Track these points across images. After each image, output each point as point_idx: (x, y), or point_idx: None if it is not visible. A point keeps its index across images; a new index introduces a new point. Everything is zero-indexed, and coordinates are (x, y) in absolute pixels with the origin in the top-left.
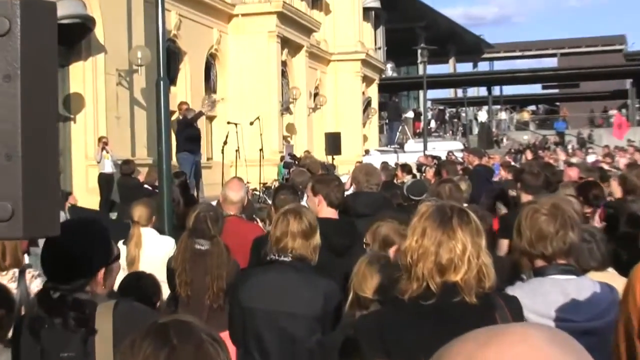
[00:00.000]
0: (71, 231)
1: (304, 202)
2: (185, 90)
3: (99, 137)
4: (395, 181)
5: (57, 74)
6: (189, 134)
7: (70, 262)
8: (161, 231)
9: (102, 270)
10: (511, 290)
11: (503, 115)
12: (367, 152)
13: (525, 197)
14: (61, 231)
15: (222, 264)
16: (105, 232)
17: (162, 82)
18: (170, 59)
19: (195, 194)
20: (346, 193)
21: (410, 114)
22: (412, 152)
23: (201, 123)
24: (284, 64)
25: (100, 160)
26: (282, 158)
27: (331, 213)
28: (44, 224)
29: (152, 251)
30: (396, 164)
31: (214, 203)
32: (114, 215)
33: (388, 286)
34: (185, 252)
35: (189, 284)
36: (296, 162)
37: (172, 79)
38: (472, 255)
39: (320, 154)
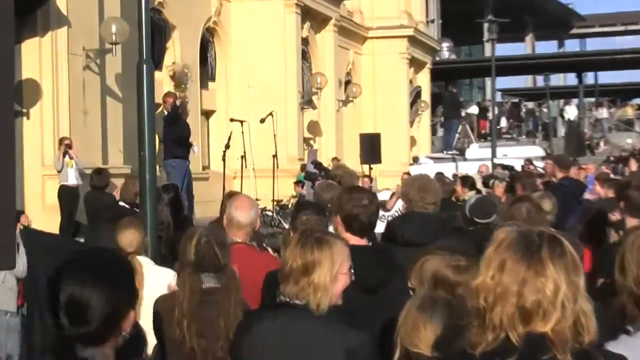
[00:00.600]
0: (89, 269)
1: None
2: (174, 77)
3: (59, 138)
4: (453, 198)
5: (13, 53)
6: (178, 134)
7: (95, 315)
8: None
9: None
10: (614, 347)
11: (599, 111)
12: (415, 160)
13: (631, 222)
14: (73, 268)
15: (239, 302)
16: (129, 265)
17: (144, 66)
18: (154, 35)
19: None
20: (390, 213)
21: (473, 109)
22: (476, 160)
23: (194, 119)
24: (305, 42)
25: (62, 168)
26: (302, 167)
27: (355, 240)
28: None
29: (152, 288)
30: (455, 176)
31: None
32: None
33: (450, 338)
34: (192, 294)
35: (201, 335)
36: (323, 173)
37: (156, 61)
38: (567, 299)
39: (353, 163)
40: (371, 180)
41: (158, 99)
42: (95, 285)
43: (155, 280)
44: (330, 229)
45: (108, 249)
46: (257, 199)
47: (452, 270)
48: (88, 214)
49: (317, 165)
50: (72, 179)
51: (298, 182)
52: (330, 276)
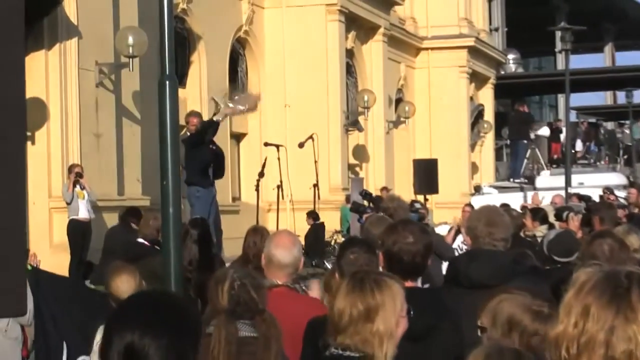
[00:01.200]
0: (149, 313)
1: None
2: (200, 94)
3: (69, 165)
4: (522, 233)
5: (23, 65)
6: (200, 159)
7: None
8: None
9: None
10: None
11: None
12: (477, 189)
13: None
14: (130, 313)
15: (280, 354)
16: (192, 308)
17: (167, 82)
18: (177, 47)
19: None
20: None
21: (544, 131)
22: (547, 189)
23: (221, 144)
24: (350, 54)
25: (72, 200)
26: (347, 198)
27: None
28: (6, 304)
29: None
30: (524, 208)
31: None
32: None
33: None
34: (228, 345)
35: None
36: (371, 205)
37: (180, 76)
38: None
39: (405, 193)
40: (426, 212)
41: (182, 119)
42: (156, 332)
43: None
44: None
45: (166, 290)
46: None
47: (531, 315)
48: (106, 252)
49: (367, 195)
50: (84, 212)
51: (310, 214)
52: (395, 320)
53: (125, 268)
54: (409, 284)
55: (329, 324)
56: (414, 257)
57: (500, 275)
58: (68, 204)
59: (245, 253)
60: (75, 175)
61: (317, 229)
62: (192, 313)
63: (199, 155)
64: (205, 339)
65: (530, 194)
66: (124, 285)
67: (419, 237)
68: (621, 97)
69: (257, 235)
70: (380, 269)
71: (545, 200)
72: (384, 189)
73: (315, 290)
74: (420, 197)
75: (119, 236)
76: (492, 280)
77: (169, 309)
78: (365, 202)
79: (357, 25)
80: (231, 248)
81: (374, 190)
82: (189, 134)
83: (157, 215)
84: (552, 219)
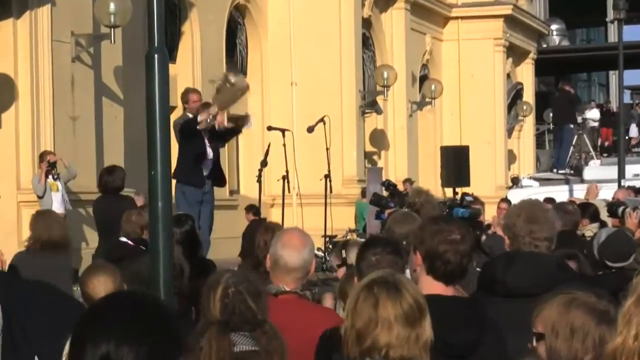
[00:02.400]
0: (125, 319)
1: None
2: (192, 70)
3: (40, 153)
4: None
5: None
6: (193, 150)
7: None
8: None
9: None
10: None
11: None
12: (515, 181)
13: None
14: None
15: None
16: (172, 311)
17: (156, 56)
18: (166, 15)
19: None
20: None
21: (593, 114)
22: (597, 181)
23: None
24: (367, 24)
25: (44, 192)
26: (363, 192)
27: (436, 287)
28: None
29: None
30: (571, 203)
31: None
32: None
33: None
34: None
35: None
36: (394, 197)
37: (169, 50)
38: None
39: (430, 185)
40: (482, 207)
41: (172, 99)
42: (135, 340)
43: None
44: (407, 273)
45: (140, 291)
46: None
47: (596, 318)
48: (102, 229)
49: (389, 186)
50: (58, 207)
51: (250, 208)
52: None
53: (104, 267)
54: (449, 290)
55: (345, 334)
56: (462, 259)
57: (542, 282)
58: (40, 197)
59: (253, 254)
60: (48, 164)
61: (257, 226)
62: (173, 315)
63: (191, 146)
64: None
65: (577, 187)
66: (101, 287)
67: (466, 235)
68: None
69: (269, 234)
70: (418, 272)
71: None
72: (407, 181)
73: (328, 304)
74: (448, 191)
75: (108, 207)
76: (532, 289)
77: (147, 312)
78: (388, 195)
79: None
80: (228, 249)
81: (394, 182)
82: (190, 116)
83: (142, 212)
84: (604, 216)
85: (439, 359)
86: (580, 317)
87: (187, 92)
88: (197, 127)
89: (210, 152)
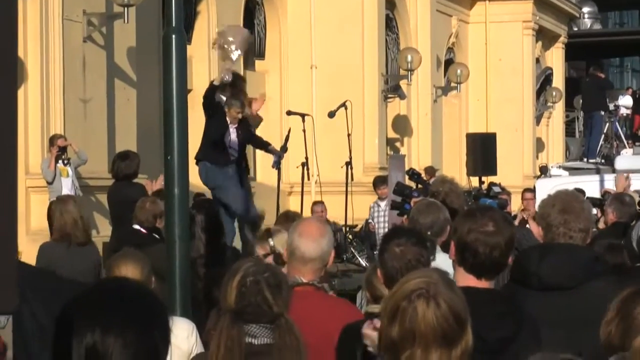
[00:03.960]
0: (112, 309)
1: (440, 261)
2: (209, 52)
3: (50, 137)
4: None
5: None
6: (213, 126)
7: None
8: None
9: None
10: None
11: None
12: (543, 171)
13: None
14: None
15: None
16: (160, 301)
17: (173, 37)
18: None
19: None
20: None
21: (626, 101)
22: (630, 171)
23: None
24: (390, 5)
25: (54, 178)
26: (408, 173)
27: (469, 279)
28: None
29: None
30: (606, 194)
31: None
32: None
33: None
34: (230, 353)
35: None
36: (417, 187)
37: (185, 30)
38: None
39: (455, 174)
40: (509, 198)
41: (192, 82)
42: (120, 328)
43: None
44: (439, 264)
45: (127, 279)
46: (333, 222)
47: None
48: (113, 217)
49: (414, 175)
50: (68, 192)
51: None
52: None
53: (133, 256)
54: (482, 283)
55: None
56: (492, 251)
57: (577, 276)
58: (49, 183)
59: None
60: (58, 148)
61: None
62: (160, 302)
63: (212, 122)
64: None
65: (608, 176)
66: (128, 275)
67: (502, 227)
68: None
69: (289, 222)
70: (451, 261)
71: (633, 184)
72: (429, 168)
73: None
74: (474, 180)
75: (120, 192)
76: (567, 282)
77: (131, 298)
78: (413, 184)
79: None
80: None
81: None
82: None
83: (156, 200)
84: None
85: (472, 354)
86: None
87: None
88: (216, 94)
89: (233, 132)
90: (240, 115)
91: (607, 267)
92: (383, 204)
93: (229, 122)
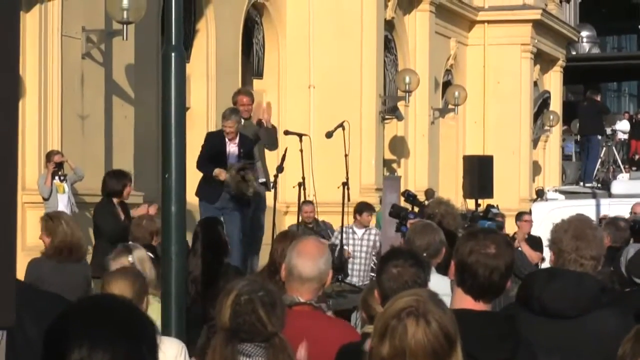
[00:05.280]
0: (100, 323)
1: (435, 283)
2: (207, 71)
3: (47, 152)
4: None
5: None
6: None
7: None
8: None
9: None
10: None
11: None
12: (540, 194)
13: None
14: (77, 323)
15: None
16: (146, 316)
17: (172, 55)
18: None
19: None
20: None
21: (623, 125)
22: (626, 196)
23: None
24: (389, 26)
25: (50, 194)
26: (404, 195)
27: (467, 302)
28: None
29: None
30: (604, 219)
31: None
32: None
33: None
34: None
35: None
36: (413, 209)
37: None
38: None
39: (451, 196)
40: (503, 220)
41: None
42: (108, 343)
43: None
44: (434, 286)
45: (114, 296)
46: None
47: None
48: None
49: (409, 197)
50: (64, 208)
51: None
52: None
53: (125, 273)
54: (479, 305)
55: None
56: (492, 274)
57: (582, 305)
58: (45, 199)
59: (272, 262)
60: (55, 165)
61: None
62: (145, 317)
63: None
64: None
65: (604, 201)
66: (123, 288)
67: (503, 250)
68: None
69: (287, 241)
70: (445, 282)
71: (621, 209)
72: (429, 191)
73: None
74: (471, 202)
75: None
76: (570, 311)
77: (118, 313)
78: (409, 206)
79: None
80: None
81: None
82: (242, 119)
83: (153, 217)
84: None
85: None
86: None
87: (236, 93)
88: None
89: (231, 147)
90: (231, 129)
91: (613, 297)
92: (361, 232)
93: (226, 138)
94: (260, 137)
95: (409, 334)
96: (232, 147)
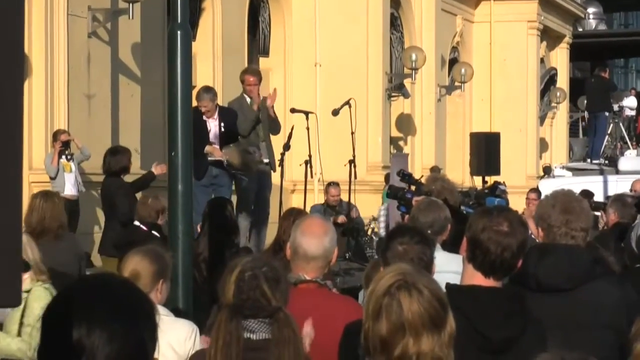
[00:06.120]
0: (98, 303)
1: (440, 260)
2: (213, 49)
3: (54, 132)
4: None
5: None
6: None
7: None
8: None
9: None
10: None
11: None
12: (547, 171)
13: None
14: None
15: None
16: (146, 296)
17: (178, 32)
18: None
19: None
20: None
21: (630, 101)
22: (633, 172)
23: None
24: (395, 3)
25: (57, 174)
26: (386, 178)
27: (477, 278)
28: (1, 291)
29: (166, 349)
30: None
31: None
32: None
33: None
34: (228, 348)
35: None
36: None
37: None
38: None
39: (458, 173)
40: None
41: (196, 78)
42: (106, 322)
43: (169, 339)
44: (440, 263)
45: (112, 274)
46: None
47: None
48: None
49: (405, 176)
50: (70, 188)
51: None
52: None
53: (146, 250)
54: (489, 282)
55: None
56: (503, 252)
57: (576, 277)
58: (52, 178)
59: (277, 240)
60: (61, 144)
61: None
62: (142, 293)
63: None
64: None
65: (612, 177)
66: (132, 266)
67: (516, 228)
68: None
69: (292, 219)
70: (462, 256)
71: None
72: (434, 168)
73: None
74: (478, 180)
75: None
76: (565, 284)
77: (116, 292)
78: (406, 186)
79: None
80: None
81: (421, 170)
82: (247, 98)
83: (159, 196)
84: None
85: (476, 353)
86: None
87: (243, 72)
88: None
89: (211, 124)
90: (207, 108)
91: (606, 268)
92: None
93: (205, 117)
94: (260, 120)
95: (405, 307)
96: (212, 123)
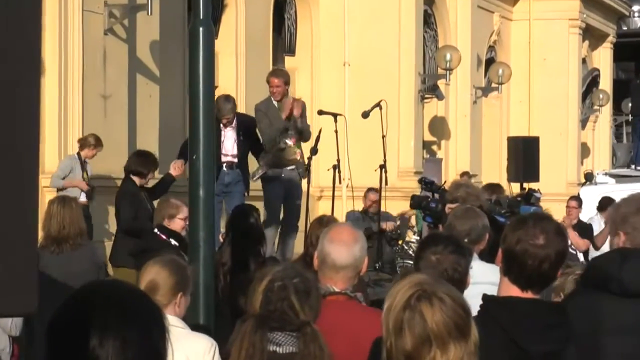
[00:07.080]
0: (109, 311)
1: (477, 270)
2: (236, 48)
3: (79, 138)
4: None
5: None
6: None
7: None
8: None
9: None
10: None
11: None
12: (588, 177)
13: None
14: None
15: None
16: (156, 305)
17: (201, 29)
18: None
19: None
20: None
21: None
22: None
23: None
24: None
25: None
26: (421, 182)
27: (513, 290)
28: (16, 299)
29: None
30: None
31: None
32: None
33: None
34: (250, 359)
35: None
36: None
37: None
38: None
39: (494, 179)
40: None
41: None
42: (119, 330)
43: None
44: (476, 274)
45: (120, 281)
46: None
47: None
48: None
49: (427, 184)
50: (82, 194)
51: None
52: None
53: (165, 260)
54: (528, 294)
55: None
56: (541, 264)
57: None
58: (59, 189)
59: (307, 252)
60: (80, 145)
61: None
62: (152, 300)
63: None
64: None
65: None
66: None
67: (553, 239)
68: None
69: (323, 228)
70: (489, 270)
71: None
72: (464, 174)
73: None
74: (515, 186)
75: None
76: None
77: (126, 299)
78: (430, 194)
79: None
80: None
81: (454, 175)
82: (275, 101)
83: (169, 199)
84: None
85: None
86: None
87: (269, 74)
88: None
89: (226, 135)
90: (226, 119)
91: None
92: None
93: (222, 127)
94: (288, 129)
95: (428, 318)
96: (228, 132)
